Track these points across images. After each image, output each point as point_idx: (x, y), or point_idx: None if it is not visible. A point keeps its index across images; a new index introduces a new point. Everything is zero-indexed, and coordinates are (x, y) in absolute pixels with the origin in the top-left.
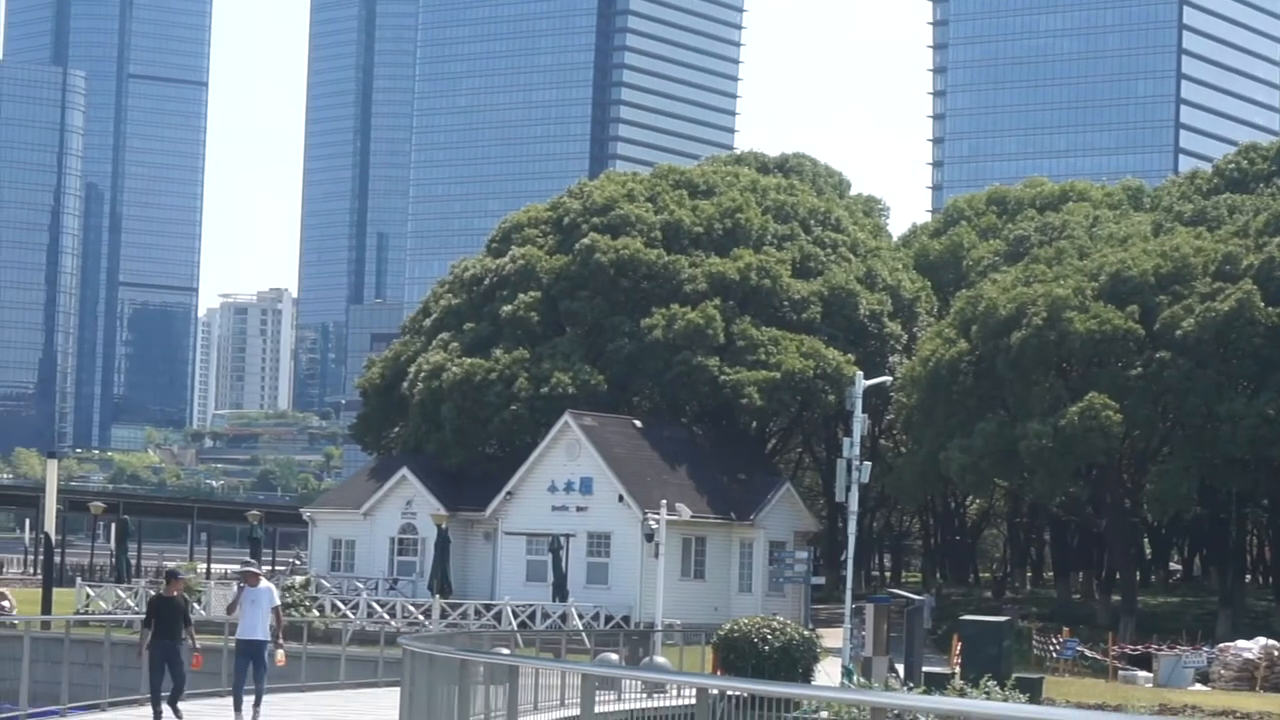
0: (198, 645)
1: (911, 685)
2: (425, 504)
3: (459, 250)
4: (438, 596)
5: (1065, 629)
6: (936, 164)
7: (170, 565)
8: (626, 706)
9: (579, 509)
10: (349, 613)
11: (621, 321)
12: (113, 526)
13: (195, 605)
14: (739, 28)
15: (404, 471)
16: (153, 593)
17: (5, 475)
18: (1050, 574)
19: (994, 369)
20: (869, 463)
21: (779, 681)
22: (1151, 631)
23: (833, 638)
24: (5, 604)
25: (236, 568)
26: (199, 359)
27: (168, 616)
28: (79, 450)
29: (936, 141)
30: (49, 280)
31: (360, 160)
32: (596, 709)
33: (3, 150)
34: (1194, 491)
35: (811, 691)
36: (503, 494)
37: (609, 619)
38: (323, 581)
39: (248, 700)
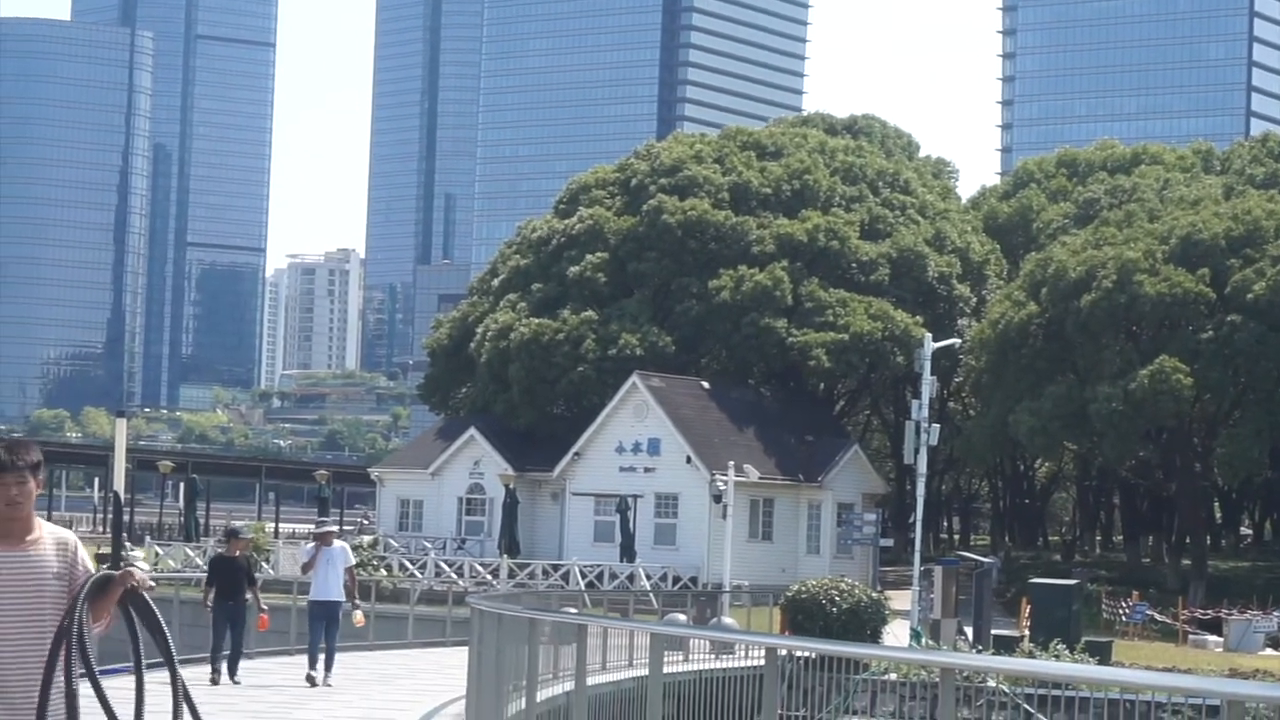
0: (264, 606)
1: (980, 648)
2: (493, 464)
3: (526, 211)
4: (505, 556)
5: (1135, 593)
6: (1006, 126)
7: (233, 524)
8: (694, 667)
9: (646, 470)
10: (417, 572)
11: (689, 283)
12: (181, 486)
13: (264, 565)
14: None
15: (472, 432)
16: (218, 551)
17: (74, 434)
18: (1120, 538)
19: (1063, 332)
20: (937, 425)
21: (850, 642)
22: (1222, 596)
23: (901, 600)
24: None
25: (309, 528)
26: (266, 319)
27: (230, 576)
28: (147, 410)
29: (1006, 104)
30: (117, 241)
31: (428, 121)
32: (665, 669)
33: (71, 111)
34: (1265, 455)
35: (882, 652)
36: (570, 455)
37: (676, 580)
38: (391, 541)
39: (321, 660)
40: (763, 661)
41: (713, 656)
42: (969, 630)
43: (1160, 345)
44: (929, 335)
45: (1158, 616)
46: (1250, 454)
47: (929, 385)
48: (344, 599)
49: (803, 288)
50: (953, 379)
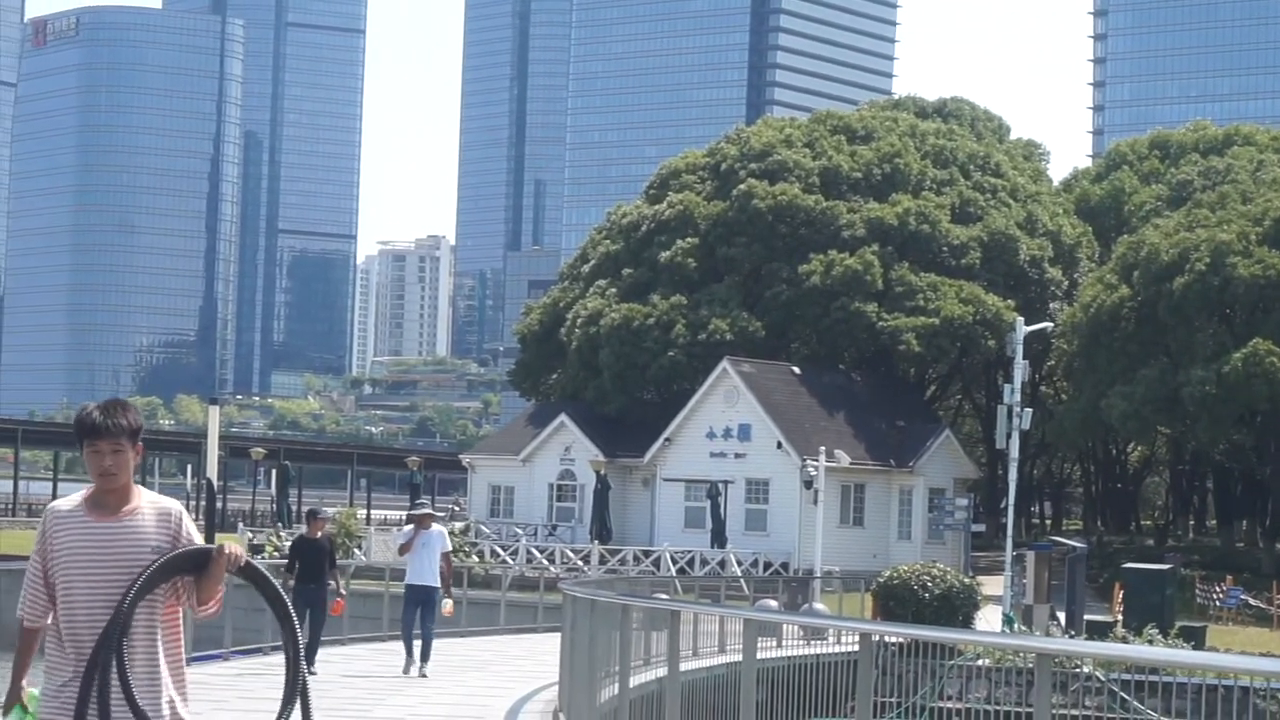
0: (343, 591)
1: (1073, 633)
2: (584, 450)
3: (616, 197)
4: (596, 542)
5: (1229, 577)
6: (1097, 108)
7: (313, 506)
8: (786, 653)
9: (737, 455)
10: (508, 558)
11: (779, 268)
12: (273, 472)
13: (356, 550)
14: None
15: (562, 418)
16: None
17: (167, 422)
18: (1213, 522)
19: (1156, 315)
20: (1029, 409)
21: (943, 627)
22: None
23: (993, 585)
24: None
25: (400, 514)
26: (358, 306)
27: (311, 559)
28: (239, 397)
29: (1097, 85)
30: (209, 228)
31: (517, 107)
32: (757, 655)
33: (163, 99)
34: None
35: (976, 637)
36: (661, 440)
37: (767, 566)
38: (482, 527)
39: (417, 648)
40: (854, 647)
41: (804, 642)
42: (1061, 616)
43: (1254, 328)
44: (1020, 319)
45: (1252, 601)
46: None
47: (1021, 369)
48: (439, 585)
49: (893, 272)
50: (1044, 363)
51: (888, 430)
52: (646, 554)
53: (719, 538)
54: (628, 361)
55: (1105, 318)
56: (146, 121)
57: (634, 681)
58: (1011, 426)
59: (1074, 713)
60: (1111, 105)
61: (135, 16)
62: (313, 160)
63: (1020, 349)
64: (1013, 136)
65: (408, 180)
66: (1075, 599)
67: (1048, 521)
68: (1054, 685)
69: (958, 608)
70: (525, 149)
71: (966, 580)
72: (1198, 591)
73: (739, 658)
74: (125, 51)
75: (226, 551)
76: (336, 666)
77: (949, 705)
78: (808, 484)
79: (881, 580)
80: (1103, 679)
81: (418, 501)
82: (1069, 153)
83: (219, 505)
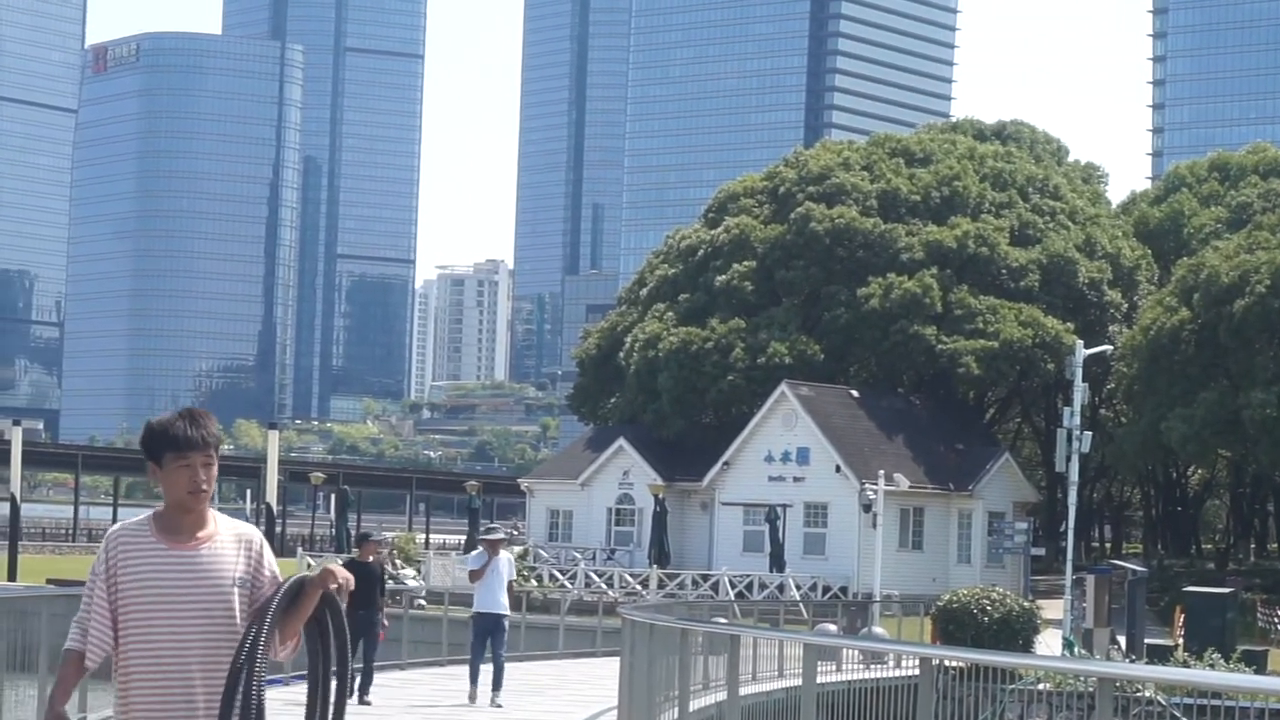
0: (386, 622)
1: (1134, 657)
2: (642, 474)
3: (674, 220)
4: (655, 567)
5: None
6: (1156, 130)
7: (366, 530)
8: (845, 677)
9: (796, 479)
10: (567, 583)
11: (837, 291)
12: (332, 497)
13: (414, 574)
14: None
15: (621, 442)
16: (351, 556)
17: (227, 446)
18: (1275, 545)
19: (1216, 338)
20: (1089, 432)
21: (1003, 651)
22: None
23: (1052, 609)
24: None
25: (459, 539)
26: (416, 330)
27: (363, 583)
28: (298, 421)
29: (1157, 107)
30: (268, 253)
31: (575, 131)
32: (817, 679)
33: (222, 124)
34: None
35: (1035, 661)
36: (719, 464)
37: (826, 589)
38: (541, 552)
39: (483, 676)
40: (914, 672)
41: (863, 666)
42: (1122, 640)
43: None
44: (1080, 342)
45: None
46: None
47: (1081, 392)
48: (508, 613)
49: (952, 295)
50: (1104, 386)
51: (947, 453)
52: (705, 578)
53: (778, 561)
54: (686, 385)
55: (1165, 340)
56: (206, 147)
57: (693, 706)
58: (1071, 450)
59: None
60: (1171, 127)
61: (195, 42)
62: (371, 185)
63: (1080, 372)
64: (1071, 159)
65: (466, 204)
66: (1136, 623)
67: (1108, 545)
68: (1115, 710)
69: (1017, 631)
70: (583, 173)
71: (1026, 604)
72: (1259, 615)
73: (799, 682)
74: (185, 77)
75: (340, 576)
76: (396, 692)
77: None
78: (866, 507)
79: (941, 604)
80: (1164, 703)
81: (489, 526)
82: (1128, 175)
83: (278, 530)
